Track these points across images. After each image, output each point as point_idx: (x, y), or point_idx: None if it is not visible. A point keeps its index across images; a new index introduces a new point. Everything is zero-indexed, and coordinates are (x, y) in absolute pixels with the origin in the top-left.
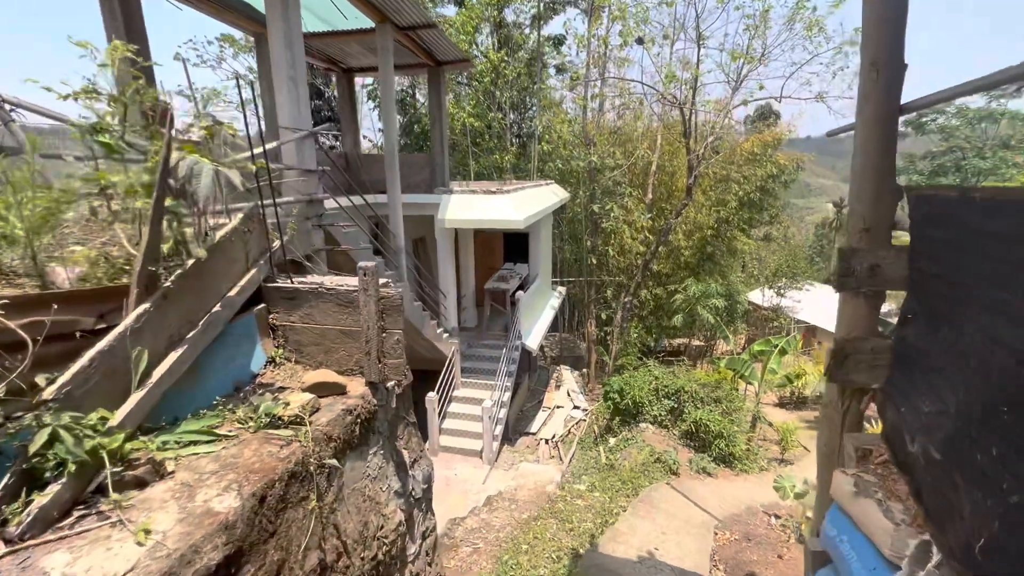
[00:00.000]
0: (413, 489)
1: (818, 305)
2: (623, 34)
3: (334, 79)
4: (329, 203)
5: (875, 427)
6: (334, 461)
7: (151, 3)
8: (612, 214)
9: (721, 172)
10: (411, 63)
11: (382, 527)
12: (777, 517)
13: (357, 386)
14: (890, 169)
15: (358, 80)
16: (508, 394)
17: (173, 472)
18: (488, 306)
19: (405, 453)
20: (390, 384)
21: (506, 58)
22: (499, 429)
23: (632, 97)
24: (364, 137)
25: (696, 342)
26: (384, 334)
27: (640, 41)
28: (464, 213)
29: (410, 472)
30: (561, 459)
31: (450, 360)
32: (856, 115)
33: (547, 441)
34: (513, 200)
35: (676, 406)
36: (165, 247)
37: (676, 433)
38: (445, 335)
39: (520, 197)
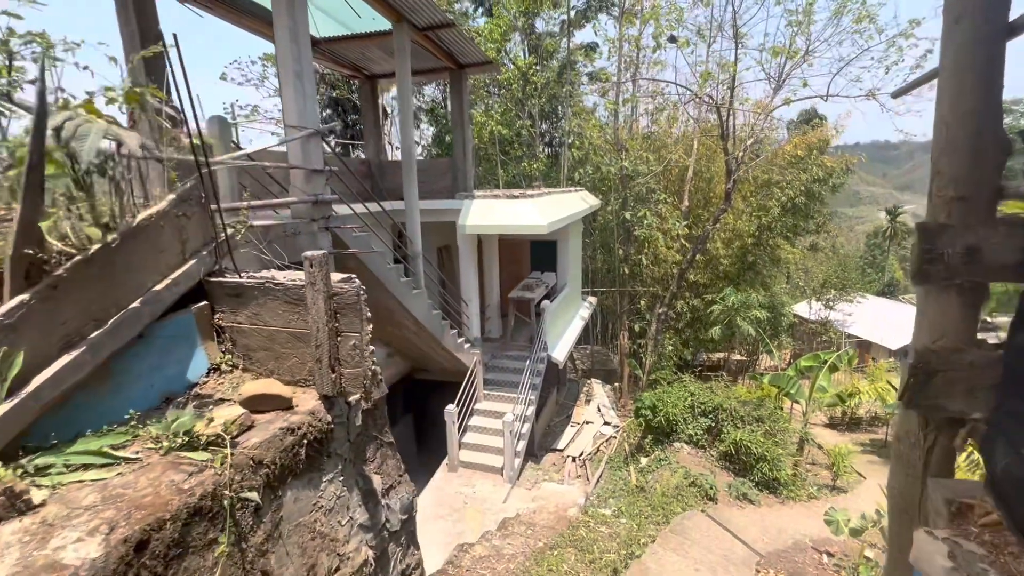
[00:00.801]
0: (388, 521)
1: (871, 318)
2: (656, 35)
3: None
4: (346, 210)
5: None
6: (254, 494)
7: (198, 25)
8: (645, 221)
9: (763, 176)
10: (433, 67)
11: (338, 569)
12: (830, 555)
13: (308, 400)
14: (995, 113)
15: (393, 91)
16: (532, 408)
17: (41, 505)
18: (512, 316)
19: (377, 479)
20: (353, 398)
21: (535, 65)
22: (522, 445)
23: (666, 100)
24: (389, 143)
25: (737, 356)
26: (339, 338)
27: (673, 40)
28: (486, 219)
29: (383, 501)
30: (588, 479)
31: (472, 371)
32: (942, 40)
33: (574, 459)
34: (537, 205)
35: (714, 425)
36: (60, 228)
37: (713, 454)
38: (467, 345)
39: (545, 202)
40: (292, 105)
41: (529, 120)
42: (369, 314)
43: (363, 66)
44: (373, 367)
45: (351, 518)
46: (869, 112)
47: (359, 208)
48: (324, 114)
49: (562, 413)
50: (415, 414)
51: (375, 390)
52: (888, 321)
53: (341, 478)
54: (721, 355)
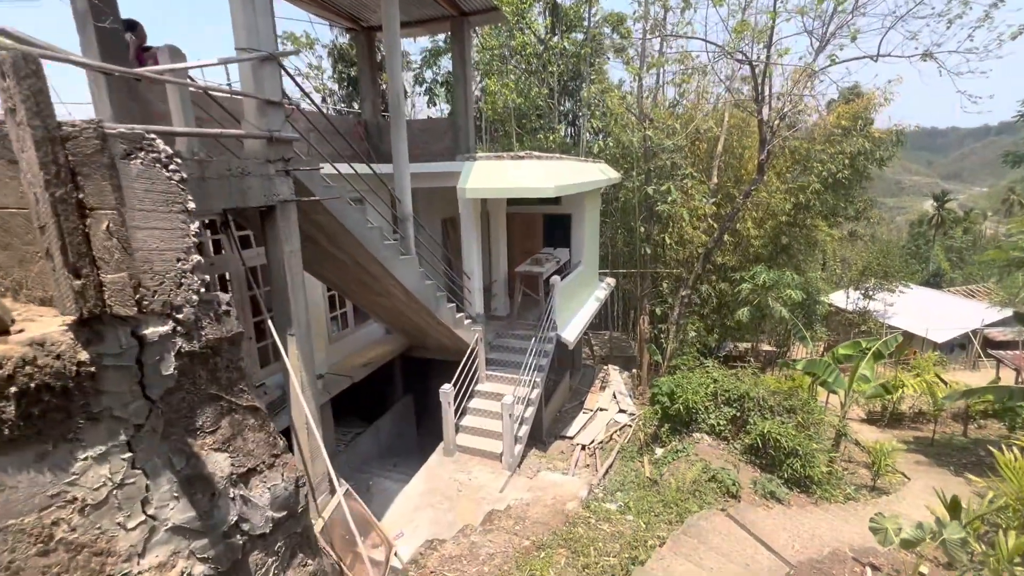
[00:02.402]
0: (244, 521)
1: (915, 310)
2: None
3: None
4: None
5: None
6: None
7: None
8: (670, 197)
9: (801, 148)
10: (432, 16)
11: None
12: (875, 569)
13: (46, 326)
14: None
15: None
16: (537, 392)
17: None
18: (520, 292)
19: (220, 460)
20: (152, 331)
21: (556, 31)
22: (524, 430)
23: (695, 65)
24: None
25: (766, 347)
26: (85, 218)
27: None
28: (488, 181)
29: (234, 492)
30: (597, 469)
31: (473, 349)
32: None
33: (584, 447)
34: (546, 167)
35: (738, 415)
36: None
37: (737, 447)
38: (467, 321)
39: (555, 165)
40: (241, 21)
41: (547, 89)
42: (171, 191)
43: (360, 16)
44: (189, 277)
45: (150, 517)
46: (914, 97)
47: (347, 169)
48: (341, 93)
49: (575, 399)
50: (415, 394)
51: (210, 323)
52: (933, 313)
53: (125, 456)
54: (748, 345)
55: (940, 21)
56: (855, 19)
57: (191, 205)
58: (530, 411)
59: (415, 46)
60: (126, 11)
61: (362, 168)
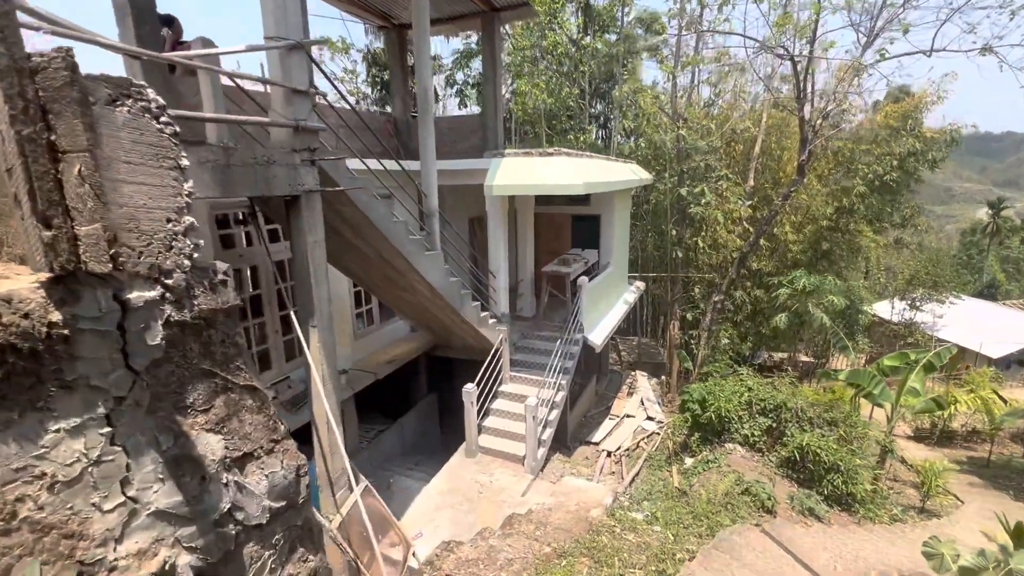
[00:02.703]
0: (237, 509)
1: (967, 323)
2: None
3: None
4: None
5: None
6: None
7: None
8: (704, 199)
9: (845, 148)
10: (462, 12)
11: None
12: None
13: (17, 283)
14: None
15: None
16: (562, 394)
17: None
18: (546, 292)
19: (212, 441)
20: (136, 295)
21: (588, 31)
22: (548, 433)
23: (731, 62)
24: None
25: (804, 358)
26: (60, 162)
27: None
28: (516, 178)
29: (226, 477)
30: (622, 477)
31: (497, 349)
32: None
33: (610, 454)
34: (575, 164)
35: (775, 426)
36: None
37: (773, 460)
38: (492, 321)
39: (584, 163)
40: (270, 8)
41: (578, 90)
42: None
43: (391, 13)
44: (181, 240)
45: (130, 499)
46: (982, 73)
47: (380, 166)
48: (375, 96)
49: (601, 405)
50: (439, 393)
51: (204, 292)
52: (988, 327)
53: (103, 430)
54: (784, 355)
55: (1002, 12)
56: (906, 12)
57: (185, 162)
58: (554, 414)
59: (446, 48)
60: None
61: (391, 165)
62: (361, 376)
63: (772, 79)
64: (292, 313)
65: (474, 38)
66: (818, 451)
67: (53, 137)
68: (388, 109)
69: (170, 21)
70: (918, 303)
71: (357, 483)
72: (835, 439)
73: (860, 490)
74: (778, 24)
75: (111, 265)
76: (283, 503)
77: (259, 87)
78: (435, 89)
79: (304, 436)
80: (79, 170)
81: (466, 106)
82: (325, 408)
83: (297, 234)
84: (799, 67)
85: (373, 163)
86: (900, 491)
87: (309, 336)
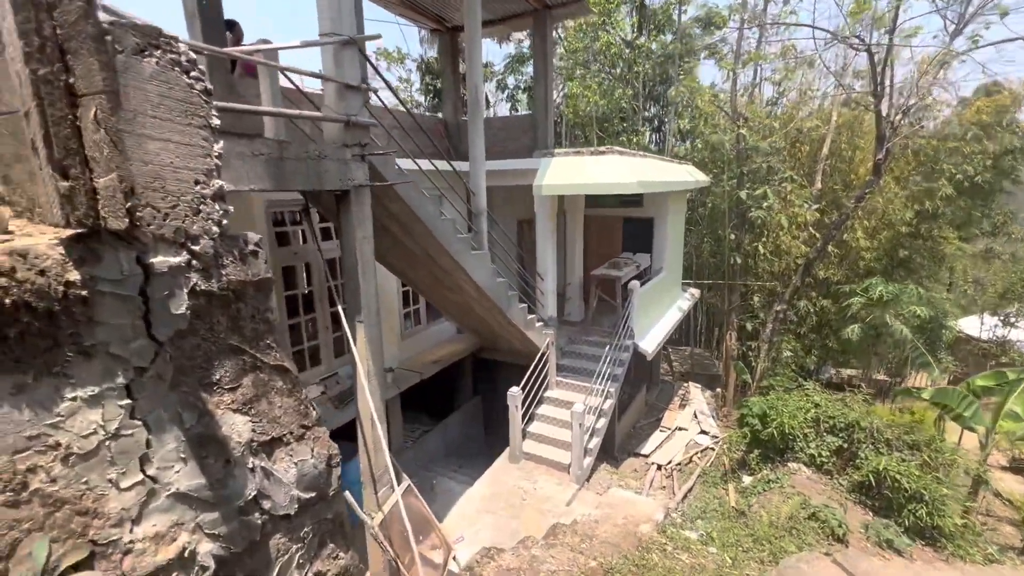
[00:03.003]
0: (263, 496)
1: None
2: None
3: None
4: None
5: None
6: None
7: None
8: (765, 203)
9: (928, 147)
10: (514, 12)
11: (90, 566)
12: None
13: (34, 239)
14: None
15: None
16: (610, 402)
17: None
18: (595, 297)
19: (239, 422)
20: (159, 260)
21: (643, 30)
22: (595, 443)
23: (798, 56)
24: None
25: (878, 376)
26: (77, 106)
27: None
28: (565, 177)
29: (252, 462)
30: (673, 492)
31: (544, 354)
32: None
33: (660, 467)
34: (628, 162)
35: (846, 446)
36: None
37: (844, 483)
38: (539, 324)
39: (638, 162)
40: (325, 9)
41: (631, 91)
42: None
43: (444, 16)
44: (209, 205)
45: (150, 478)
46: None
47: (431, 167)
48: (428, 104)
49: (651, 415)
50: (485, 396)
51: (234, 262)
52: None
53: (123, 402)
54: (854, 371)
55: None
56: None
57: (215, 121)
58: (602, 423)
59: (498, 55)
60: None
61: (442, 165)
62: (407, 375)
63: (844, 74)
64: (340, 309)
65: (527, 43)
66: (898, 477)
67: (72, 79)
68: (440, 115)
69: (232, 25)
70: (1013, 319)
71: (400, 482)
72: (917, 465)
73: (948, 523)
74: (853, 13)
75: (127, 221)
76: (313, 494)
77: (316, 90)
78: (486, 94)
79: (350, 433)
80: (95, 114)
81: (517, 111)
82: (369, 405)
83: (346, 229)
84: (876, 59)
85: (424, 164)
86: (995, 528)
87: (356, 332)
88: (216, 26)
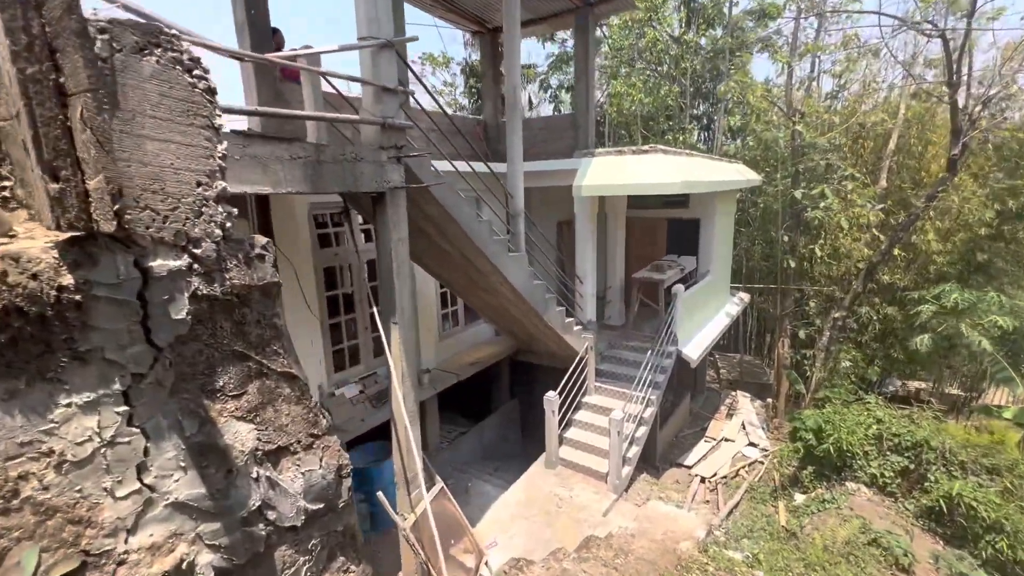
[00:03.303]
0: (268, 507)
1: None
2: None
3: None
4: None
5: None
6: None
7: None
8: (823, 202)
9: (1013, 140)
10: (555, 11)
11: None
12: None
13: (30, 242)
14: None
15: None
16: (650, 410)
17: None
18: (637, 300)
19: (242, 430)
20: (158, 263)
21: (689, 24)
22: (634, 452)
23: (861, 46)
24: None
25: (951, 390)
26: (67, 106)
27: None
28: (606, 177)
29: (262, 472)
30: (718, 508)
31: (582, 358)
32: None
33: (704, 480)
34: (672, 161)
35: (912, 467)
36: None
37: (910, 508)
38: (577, 328)
39: (683, 160)
40: (363, 13)
41: (678, 88)
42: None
43: (485, 17)
44: (212, 207)
45: (147, 487)
46: None
47: (471, 169)
48: (472, 107)
49: (695, 425)
50: (522, 400)
51: (239, 266)
52: None
53: (119, 408)
54: (922, 384)
55: None
56: None
57: (219, 121)
58: (642, 431)
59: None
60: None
61: (479, 167)
62: (444, 376)
63: (914, 63)
64: (375, 311)
65: (571, 43)
66: (974, 504)
67: (61, 78)
68: (480, 117)
69: (274, 32)
70: None
71: (433, 484)
72: (998, 491)
73: None
74: None
75: (115, 223)
76: (321, 505)
77: (358, 95)
78: (529, 95)
79: (388, 432)
80: (80, 112)
81: (560, 111)
82: (402, 407)
83: (382, 231)
84: (952, 45)
85: (462, 166)
86: None
87: (390, 334)
88: (266, 35)
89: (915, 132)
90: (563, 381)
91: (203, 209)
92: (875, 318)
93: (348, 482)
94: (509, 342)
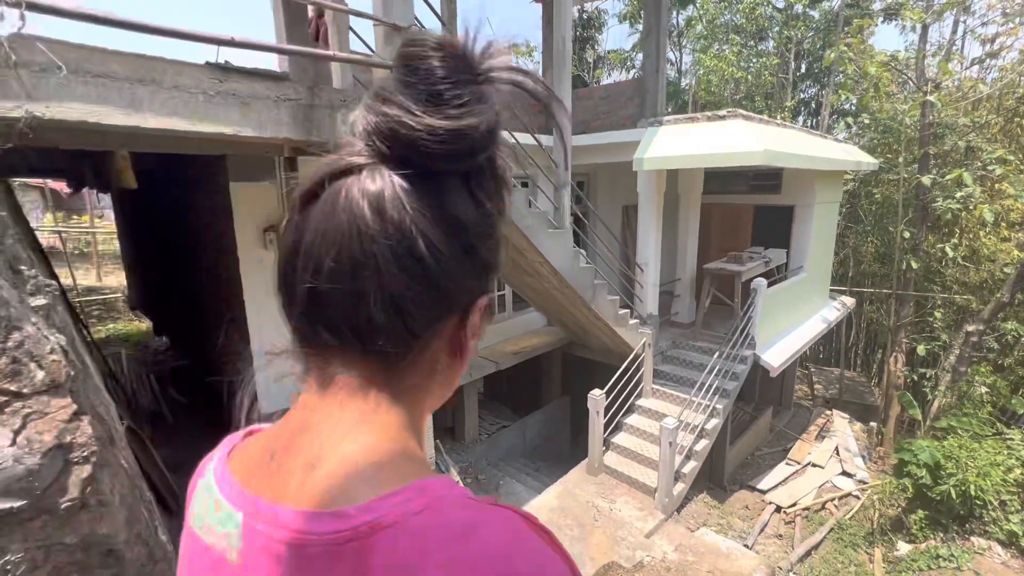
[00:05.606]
0: None
1: None
2: None
3: None
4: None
5: None
6: None
7: None
8: (959, 192)
9: None
10: None
11: None
12: None
13: None
14: None
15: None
16: (715, 422)
17: None
18: (709, 295)
19: None
20: None
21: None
22: (690, 467)
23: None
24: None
25: None
26: None
27: None
28: (672, 148)
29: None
30: (792, 546)
31: (638, 355)
32: None
33: (780, 510)
34: (755, 128)
35: None
36: None
37: None
38: (634, 321)
39: (769, 128)
40: None
41: (778, 59)
42: None
43: None
44: None
45: None
46: None
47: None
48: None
49: (776, 444)
50: (574, 399)
51: None
52: None
53: None
54: None
55: None
56: None
57: None
58: (702, 444)
59: (628, 42)
60: None
61: (527, 140)
62: (482, 364)
63: None
64: None
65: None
66: None
67: None
68: None
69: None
70: None
71: (446, 472)
72: None
73: None
74: None
75: None
76: (21, 502)
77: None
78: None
79: None
80: None
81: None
82: None
83: None
84: None
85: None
86: None
87: None
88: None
89: None
90: (613, 379)
91: None
92: (1022, 333)
93: (87, 468)
94: (560, 333)
